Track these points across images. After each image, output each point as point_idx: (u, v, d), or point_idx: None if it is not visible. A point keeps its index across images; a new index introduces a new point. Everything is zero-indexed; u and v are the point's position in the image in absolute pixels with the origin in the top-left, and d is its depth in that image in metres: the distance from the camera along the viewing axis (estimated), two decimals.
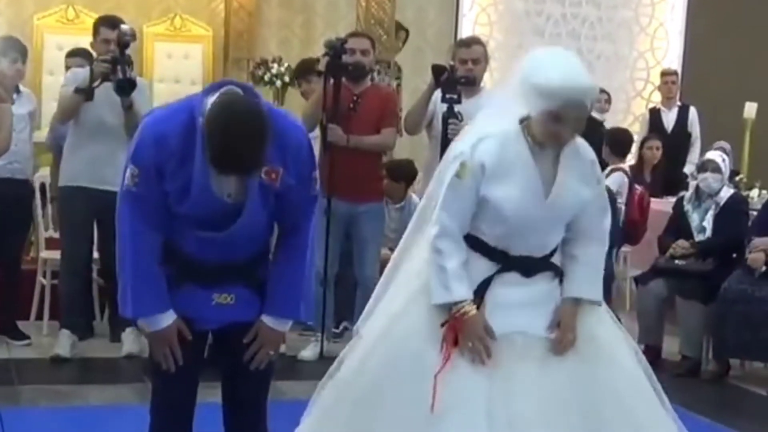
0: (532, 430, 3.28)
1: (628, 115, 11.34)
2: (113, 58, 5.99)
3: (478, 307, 3.38)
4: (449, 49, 7.11)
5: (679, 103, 9.99)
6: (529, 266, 3.46)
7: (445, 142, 6.34)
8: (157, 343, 3.34)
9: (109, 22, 6.39)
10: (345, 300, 6.88)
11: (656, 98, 11.32)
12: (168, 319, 3.29)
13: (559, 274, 3.51)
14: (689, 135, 9.81)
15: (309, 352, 6.60)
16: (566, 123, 3.31)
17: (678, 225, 7.13)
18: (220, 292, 3.32)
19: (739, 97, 9.97)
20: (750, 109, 9.81)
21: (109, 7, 9.29)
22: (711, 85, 10.47)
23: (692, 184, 7.45)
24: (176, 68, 9.22)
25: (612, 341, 3.55)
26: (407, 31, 9.65)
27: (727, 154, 7.58)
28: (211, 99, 3.10)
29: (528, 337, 3.41)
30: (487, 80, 7.80)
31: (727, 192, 7.07)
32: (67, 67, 6.89)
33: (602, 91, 9.89)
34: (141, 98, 6.12)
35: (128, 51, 6.12)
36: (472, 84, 6.52)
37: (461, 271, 3.38)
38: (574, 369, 3.41)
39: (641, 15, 11.41)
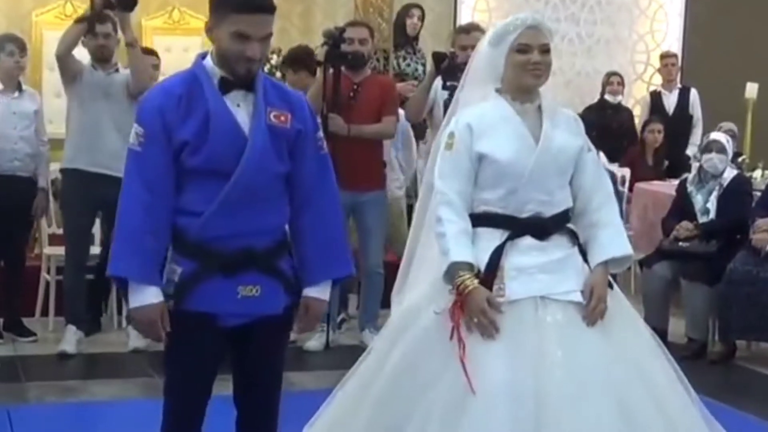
0: (559, 404, 3.20)
1: (629, 98, 11.29)
2: None
3: (489, 281, 3.32)
4: (449, 36, 7.09)
5: (679, 86, 9.98)
6: (541, 227, 3.42)
7: None
8: (140, 325, 3.23)
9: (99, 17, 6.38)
10: (344, 290, 6.87)
11: (657, 81, 11.29)
12: (153, 296, 3.15)
13: (577, 241, 3.47)
14: (691, 117, 9.80)
15: (315, 342, 6.61)
16: (532, 50, 3.41)
17: (681, 207, 7.12)
18: (245, 284, 3.24)
19: (740, 77, 9.96)
20: (751, 89, 9.80)
21: None
22: (711, 67, 10.45)
23: (695, 165, 7.43)
24: (176, 61, 9.15)
25: (633, 315, 3.58)
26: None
27: (733, 136, 7.58)
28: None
29: (548, 301, 3.35)
30: None
31: (730, 173, 7.06)
32: None
33: (614, 73, 9.88)
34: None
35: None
36: None
37: (460, 236, 3.36)
38: (599, 339, 3.35)
39: None
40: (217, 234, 3.18)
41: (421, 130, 7.32)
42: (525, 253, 3.38)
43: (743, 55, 10.66)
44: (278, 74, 9.31)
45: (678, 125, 9.60)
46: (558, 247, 3.43)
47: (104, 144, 6.23)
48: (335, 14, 10.08)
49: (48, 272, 6.91)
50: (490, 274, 3.33)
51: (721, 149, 6.99)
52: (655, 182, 8.71)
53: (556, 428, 3.16)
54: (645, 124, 9.58)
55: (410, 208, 7.82)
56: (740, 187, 7.07)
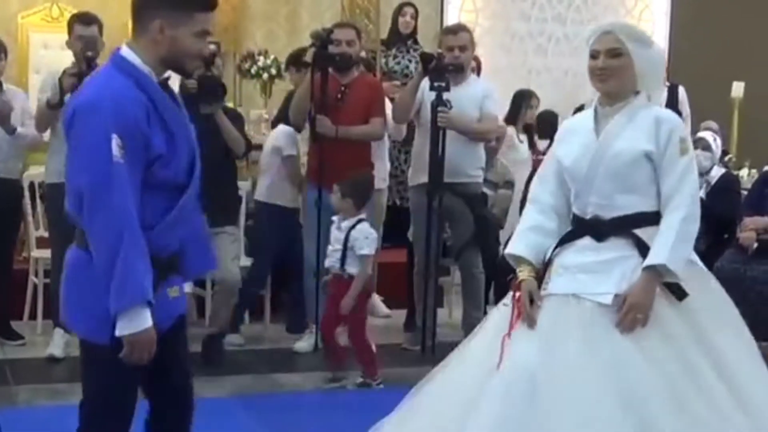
0: (559, 402, 3.30)
1: None
2: (80, 72, 5.96)
3: (542, 276, 3.54)
4: (436, 37, 7.10)
5: (667, 83, 9.98)
6: (599, 228, 3.53)
7: (435, 130, 6.35)
8: (141, 349, 3.04)
9: (83, 19, 6.36)
10: None
11: None
12: (150, 317, 3.03)
13: (640, 245, 3.50)
14: (680, 114, 9.80)
15: (304, 343, 6.60)
16: (599, 55, 3.59)
17: None
18: (171, 286, 3.20)
19: (726, 77, 10.00)
20: (737, 88, 9.83)
21: (94, 5, 9.25)
22: (697, 66, 10.47)
23: None
24: None
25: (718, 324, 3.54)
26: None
27: (716, 134, 7.60)
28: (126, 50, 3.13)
29: (581, 300, 3.45)
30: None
31: (718, 171, 7.09)
32: None
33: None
34: None
35: (98, 60, 6.10)
36: (459, 71, 6.53)
37: (527, 231, 3.65)
38: (623, 342, 3.38)
39: None
40: (164, 244, 3.14)
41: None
42: (579, 252, 3.54)
43: (729, 54, 10.70)
44: (272, 72, 9.35)
45: None
46: (612, 250, 3.51)
47: None
48: (322, 16, 10.09)
49: (36, 275, 6.88)
50: (544, 270, 3.57)
51: (707, 147, 7.02)
52: None
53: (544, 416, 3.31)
54: None
55: (394, 208, 7.85)
56: (728, 185, 7.10)
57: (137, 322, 3.00)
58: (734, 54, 10.67)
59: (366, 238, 5.88)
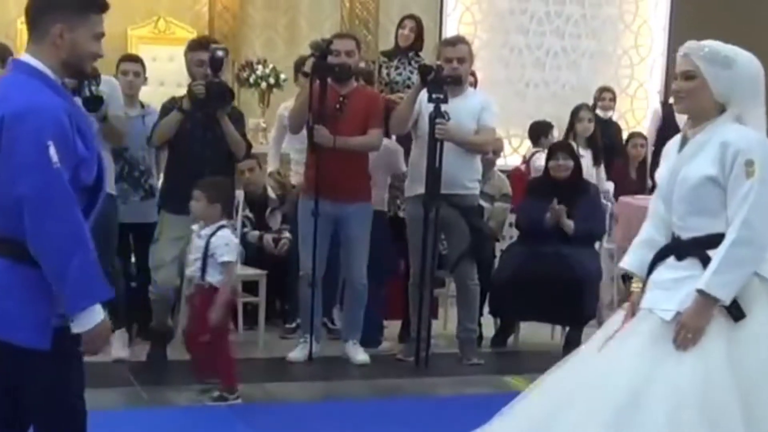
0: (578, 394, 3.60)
1: (613, 111, 11.35)
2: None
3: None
4: (434, 49, 7.11)
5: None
6: (678, 248, 3.68)
7: (432, 142, 6.36)
8: (99, 341, 3.15)
9: None
10: (325, 299, 6.88)
11: (641, 95, 11.37)
12: (101, 309, 3.11)
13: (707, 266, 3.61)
14: None
15: (298, 353, 6.59)
16: (677, 78, 3.73)
17: None
18: None
19: None
20: None
21: None
22: None
23: None
24: (161, 71, 9.17)
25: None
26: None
27: None
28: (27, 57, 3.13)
29: (652, 314, 3.63)
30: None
31: None
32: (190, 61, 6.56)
33: (607, 89, 9.89)
34: (114, 102, 6.20)
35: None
36: (458, 83, 6.54)
37: (639, 245, 3.83)
38: (677, 358, 3.50)
39: (625, 12, 11.43)
40: None
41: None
42: (663, 269, 3.71)
43: None
44: (271, 81, 9.36)
45: None
46: (686, 269, 3.65)
47: None
48: (321, 26, 10.11)
49: None
50: (644, 284, 3.78)
51: None
52: (639, 196, 8.74)
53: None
54: (629, 138, 9.61)
55: (394, 219, 7.86)
56: None
57: (94, 317, 3.07)
58: None
59: (226, 244, 5.62)
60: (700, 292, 3.51)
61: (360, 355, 6.61)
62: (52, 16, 3.11)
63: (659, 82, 11.40)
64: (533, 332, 7.28)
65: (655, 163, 9.12)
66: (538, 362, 6.86)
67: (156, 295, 6.36)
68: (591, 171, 8.08)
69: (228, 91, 6.33)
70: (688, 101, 3.66)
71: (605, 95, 9.79)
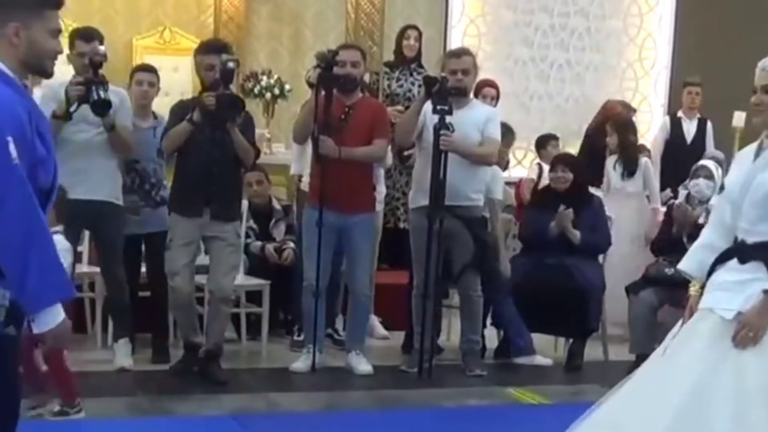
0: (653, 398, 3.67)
1: None
2: (86, 80, 6.01)
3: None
4: (439, 61, 7.13)
5: (698, 116, 9.97)
6: (742, 251, 3.76)
7: (437, 154, 6.37)
8: (63, 340, 3.11)
9: (84, 35, 6.39)
10: (327, 309, 6.89)
11: (645, 108, 11.37)
12: (61, 307, 3.06)
13: None
14: (705, 148, 9.73)
15: (301, 363, 6.59)
16: (757, 91, 3.86)
17: (671, 232, 7.14)
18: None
19: (728, 106, 10.01)
20: (739, 118, 9.84)
21: (99, 21, 9.29)
22: (700, 95, 10.50)
23: (682, 192, 7.47)
24: (166, 81, 9.16)
25: None
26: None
27: (720, 164, 7.60)
28: None
29: (712, 314, 3.71)
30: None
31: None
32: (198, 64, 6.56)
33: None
34: (122, 112, 6.22)
35: (102, 70, 6.14)
36: (462, 94, 6.56)
37: (697, 249, 3.94)
38: (736, 356, 3.59)
39: (629, 25, 11.44)
40: None
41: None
42: (725, 272, 3.80)
43: (731, 83, 10.70)
44: (275, 92, 9.37)
45: (695, 153, 9.51)
46: (749, 272, 3.73)
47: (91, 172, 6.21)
48: (326, 36, 10.12)
49: None
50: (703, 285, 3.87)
51: (709, 175, 7.04)
52: None
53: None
54: None
55: (395, 230, 7.88)
56: None
57: (56, 316, 3.02)
58: (736, 83, 10.66)
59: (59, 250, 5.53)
60: (765, 292, 3.63)
61: (363, 365, 6.61)
62: (6, 15, 3.06)
63: (663, 95, 11.39)
64: (536, 344, 7.27)
65: (664, 174, 9.21)
66: (541, 374, 6.96)
67: (175, 302, 6.36)
68: (620, 184, 8.17)
69: (239, 102, 6.33)
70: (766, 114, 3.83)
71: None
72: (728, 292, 3.72)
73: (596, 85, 11.18)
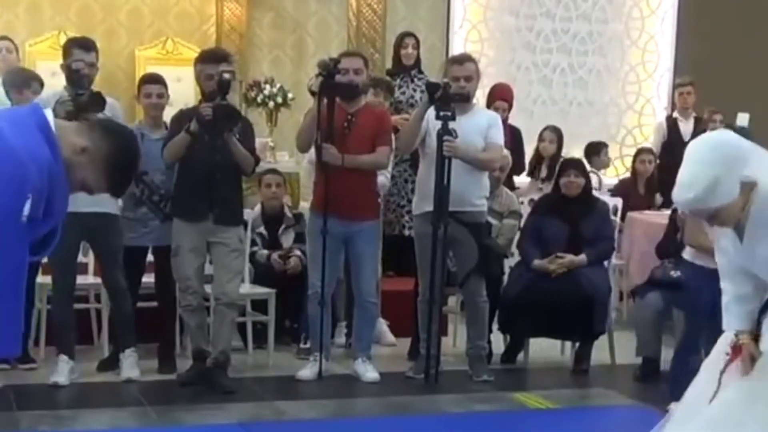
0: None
1: (621, 128, 11.37)
2: (74, 96, 6.05)
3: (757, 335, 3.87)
4: (441, 67, 7.13)
5: (694, 115, 9.99)
6: None
7: (441, 160, 6.37)
8: None
9: (81, 44, 6.40)
10: (334, 317, 6.88)
11: (648, 111, 11.38)
12: None
13: None
14: None
15: (308, 371, 6.59)
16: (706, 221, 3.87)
17: (674, 235, 7.13)
18: None
19: (731, 108, 10.01)
20: (742, 119, 9.83)
21: (102, 33, 9.33)
22: (702, 97, 10.49)
23: None
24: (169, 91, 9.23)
25: None
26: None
27: None
28: None
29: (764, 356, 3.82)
30: (479, 97, 7.86)
31: None
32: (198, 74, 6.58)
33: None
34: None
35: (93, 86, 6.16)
36: (465, 100, 6.57)
37: (731, 305, 3.93)
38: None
39: (631, 29, 11.45)
40: None
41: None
42: None
43: (734, 85, 10.72)
44: (278, 100, 9.37)
45: None
46: None
47: None
48: (328, 45, 10.15)
49: (40, 301, 6.88)
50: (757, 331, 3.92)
51: None
52: (647, 212, 8.74)
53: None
54: (637, 154, 9.61)
55: (401, 237, 7.87)
56: None
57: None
58: (739, 85, 10.69)
59: None
60: None
61: (370, 372, 6.61)
62: None
63: (666, 98, 11.40)
64: (542, 349, 7.27)
65: (662, 178, 9.21)
66: (548, 379, 6.95)
67: (189, 306, 6.35)
68: None
69: (235, 113, 6.35)
70: None
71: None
72: None
73: (599, 89, 11.19)
